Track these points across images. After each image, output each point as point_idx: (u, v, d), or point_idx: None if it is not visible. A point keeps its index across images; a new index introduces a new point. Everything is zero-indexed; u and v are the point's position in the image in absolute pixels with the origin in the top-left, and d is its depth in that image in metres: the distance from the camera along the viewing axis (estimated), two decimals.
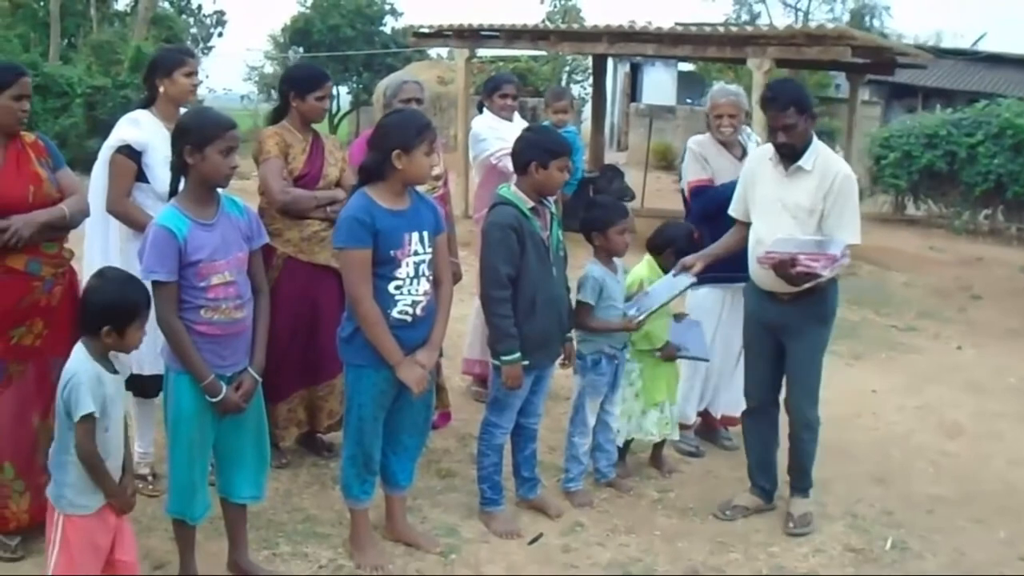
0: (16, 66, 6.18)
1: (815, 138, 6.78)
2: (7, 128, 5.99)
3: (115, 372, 4.95)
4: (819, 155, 6.72)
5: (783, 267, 6.50)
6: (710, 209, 7.65)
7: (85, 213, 6.26)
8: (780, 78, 7.72)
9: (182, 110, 6.83)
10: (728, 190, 7.40)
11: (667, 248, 7.39)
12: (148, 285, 5.28)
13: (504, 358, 6.32)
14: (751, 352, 7.30)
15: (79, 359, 4.90)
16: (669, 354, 7.44)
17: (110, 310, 4.85)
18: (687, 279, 7.10)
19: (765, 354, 7.11)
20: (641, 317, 6.96)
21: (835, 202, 6.63)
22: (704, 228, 7.54)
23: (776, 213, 6.76)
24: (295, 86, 7.24)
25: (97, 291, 4.96)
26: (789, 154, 6.71)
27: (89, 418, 4.78)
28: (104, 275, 5.16)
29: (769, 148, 6.90)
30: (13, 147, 6.01)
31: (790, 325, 6.89)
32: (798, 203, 6.67)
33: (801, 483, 7.11)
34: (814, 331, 6.93)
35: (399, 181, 5.80)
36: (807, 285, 6.56)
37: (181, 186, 5.45)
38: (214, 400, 5.34)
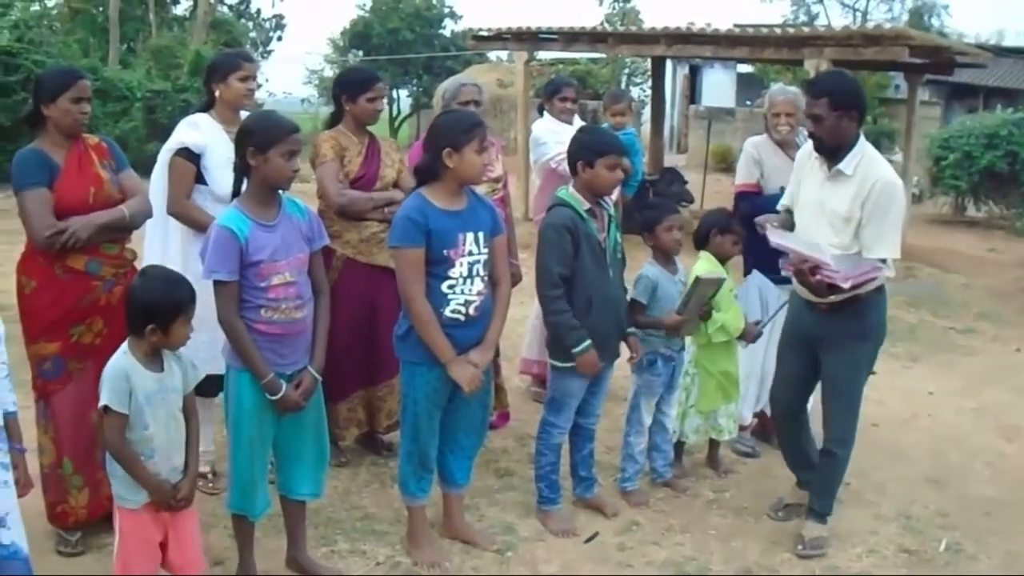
0: (74, 70, 6.27)
1: (862, 141, 6.35)
2: (67, 131, 6.08)
3: (159, 371, 5.00)
4: (863, 160, 6.30)
5: (802, 275, 6.27)
6: (753, 215, 7.63)
7: (147, 214, 6.36)
8: (836, 70, 7.54)
9: (243, 114, 6.92)
10: (773, 201, 7.43)
11: (710, 232, 7.37)
12: (210, 285, 5.39)
13: (576, 351, 6.34)
14: (782, 358, 7.04)
15: (115, 355, 4.98)
16: (752, 333, 7.47)
17: (153, 308, 4.90)
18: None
19: (797, 364, 6.83)
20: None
21: (873, 211, 6.19)
22: (749, 232, 7.57)
23: (815, 217, 6.47)
24: (346, 89, 7.30)
25: (140, 290, 5.01)
26: (820, 149, 6.41)
27: (110, 412, 4.86)
28: (147, 274, 5.23)
29: (811, 148, 6.59)
30: (75, 149, 6.12)
31: (826, 337, 6.56)
32: (835, 210, 6.31)
33: (821, 505, 6.75)
34: (852, 346, 6.51)
35: (452, 180, 5.85)
36: (835, 298, 6.33)
37: (244, 187, 5.53)
38: (274, 398, 5.41)
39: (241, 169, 5.49)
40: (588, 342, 6.33)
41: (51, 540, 6.23)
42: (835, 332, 6.49)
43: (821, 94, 6.24)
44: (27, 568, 5.01)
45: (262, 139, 5.34)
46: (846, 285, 6.11)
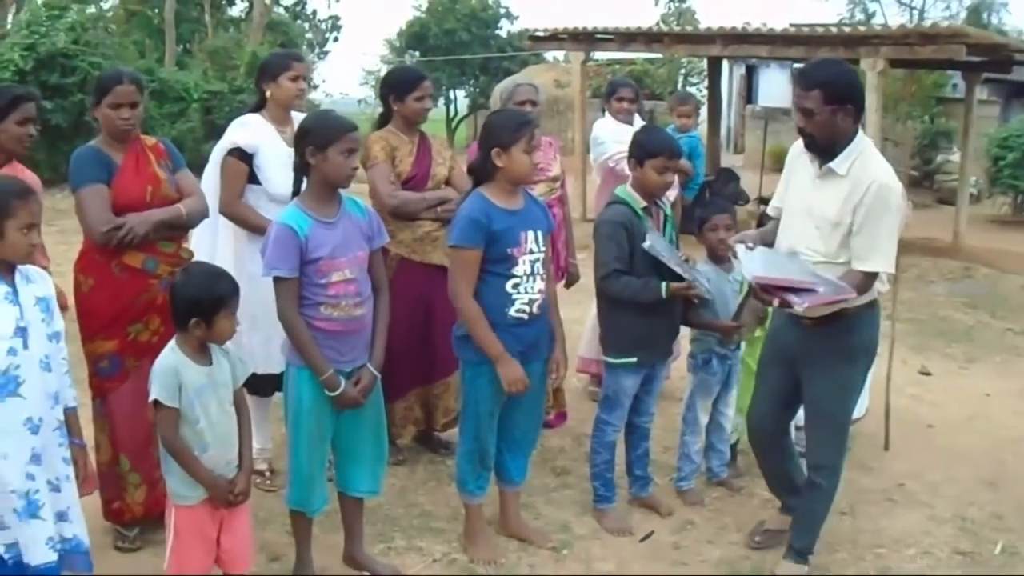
0: (115, 75, 6.31)
1: (860, 138, 5.73)
2: (112, 135, 6.17)
3: (208, 365, 5.06)
4: (858, 159, 5.68)
5: (766, 293, 5.72)
6: None
7: (203, 214, 6.42)
8: (828, 58, 6.59)
9: (295, 115, 7.02)
10: None
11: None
12: (265, 285, 5.47)
13: (664, 295, 6.35)
14: (762, 376, 6.51)
15: (164, 352, 5.06)
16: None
17: (195, 302, 4.96)
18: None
19: (779, 383, 6.30)
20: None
21: (866, 217, 5.59)
22: None
23: (801, 220, 5.89)
24: (393, 89, 7.34)
25: (183, 285, 5.07)
26: (810, 146, 5.78)
27: (161, 407, 4.93)
28: (189, 270, 5.30)
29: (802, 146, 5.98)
30: (133, 149, 6.20)
31: (809, 356, 6.01)
32: (824, 213, 5.73)
33: (801, 542, 6.25)
34: (838, 368, 5.95)
35: (504, 179, 5.89)
36: (822, 312, 5.73)
37: (304, 186, 5.61)
38: (332, 394, 5.46)
39: (300, 167, 5.57)
40: (663, 284, 6.35)
41: (109, 535, 6.32)
42: (819, 351, 5.96)
43: (813, 85, 5.61)
44: (88, 562, 5.09)
45: (320, 138, 5.40)
46: (800, 308, 5.44)
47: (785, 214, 6.13)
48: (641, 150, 6.48)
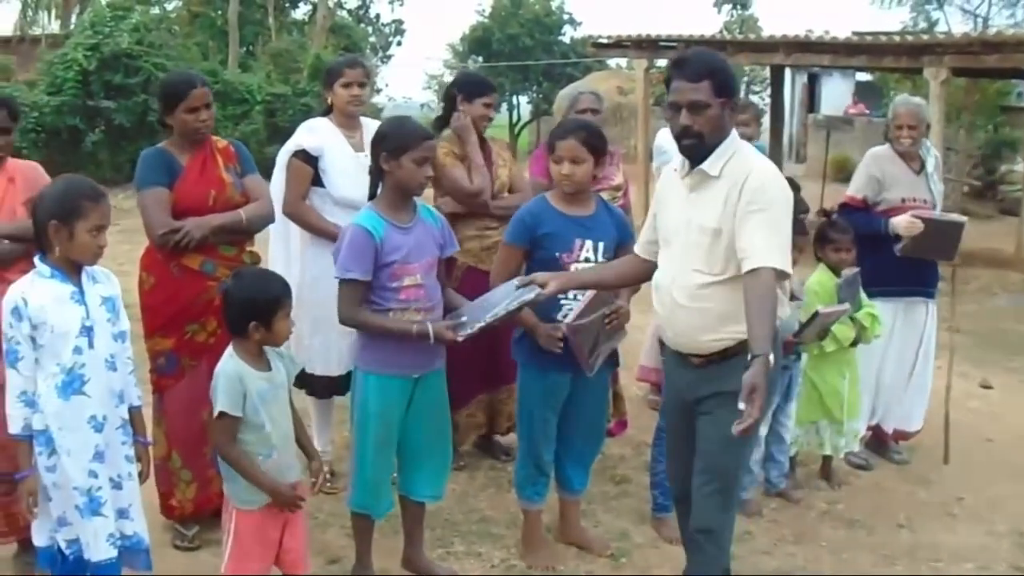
0: (190, 79, 6.39)
1: (734, 136, 5.10)
2: (189, 138, 6.27)
3: (268, 370, 5.08)
4: (734, 156, 5.01)
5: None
6: (856, 229, 7.66)
7: (267, 219, 6.49)
8: (701, 48, 5.37)
9: (367, 120, 7.12)
10: (869, 220, 7.68)
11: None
12: (328, 289, 5.57)
13: None
14: (668, 427, 5.81)
15: (223, 359, 5.07)
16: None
17: (252, 305, 4.97)
18: (531, 292, 5.45)
19: (683, 431, 5.43)
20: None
21: (747, 210, 4.84)
22: (872, 244, 7.60)
23: (682, 240, 5.12)
24: (464, 89, 7.38)
25: (236, 289, 5.08)
26: (693, 151, 5.04)
27: (225, 416, 4.94)
28: (241, 274, 5.32)
29: (677, 160, 5.30)
30: (200, 152, 6.29)
31: (699, 398, 5.20)
32: (702, 224, 4.98)
33: None
34: (727, 409, 4.75)
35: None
36: (717, 348, 5.06)
37: (379, 190, 5.67)
38: (430, 339, 5.43)
39: (376, 172, 5.62)
40: None
41: (168, 533, 6.39)
42: (708, 391, 5.15)
43: (702, 75, 4.94)
44: (147, 560, 5.18)
45: (395, 144, 5.46)
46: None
47: (663, 245, 5.29)
48: None
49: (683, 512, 5.62)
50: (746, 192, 4.88)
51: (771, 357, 4.47)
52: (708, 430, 5.18)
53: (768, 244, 4.78)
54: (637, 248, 5.64)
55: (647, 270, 5.49)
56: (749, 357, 4.47)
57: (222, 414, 4.93)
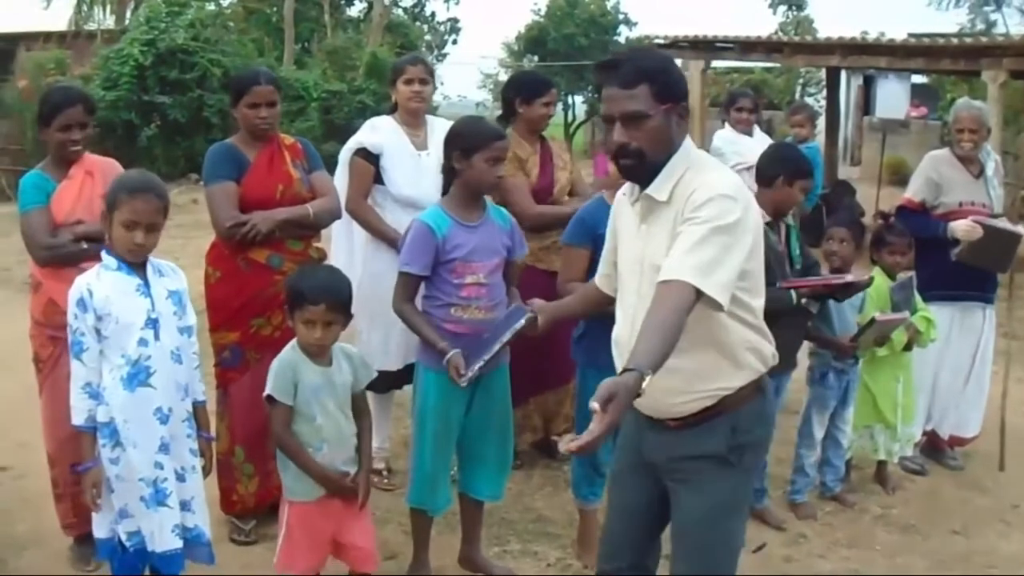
0: (253, 75, 6.47)
1: (687, 148, 4.20)
2: (250, 133, 6.33)
3: (327, 365, 5.13)
4: (686, 174, 4.11)
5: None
6: (913, 232, 7.62)
7: (333, 215, 6.54)
8: (639, 47, 4.55)
9: (432, 118, 7.18)
10: (925, 223, 7.61)
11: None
12: (386, 284, 5.63)
13: (795, 303, 6.32)
14: (614, 496, 4.78)
15: (285, 349, 5.18)
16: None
17: (287, 292, 5.16)
18: (521, 320, 5.24)
19: (635, 497, 4.56)
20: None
21: (683, 230, 3.96)
22: (928, 248, 7.57)
23: (635, 279, 4.30)
24: (522, 91, 7.35)
25: (290, 279, 5.27)
26: (634, 173, 4.20)
27: (275, 403, 5.04)
28: (306, 265, 5.57)
29: (626, 185, 4.46)
30: (268, 148, 6.34)
31: (677, 465, 4.30)
32: (654, 260, 4.08)
33: None
34: (713, 477, 4.22)
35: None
36: (692, 411, 4.22)
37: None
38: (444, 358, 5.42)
39: (448, 171, 5.65)
40: (793, 295, 6.33)
41: (225, 527, 6.43)
42: (689, 456, 4.27)
43: (636, 79, 4.08)
44: (209, 553, 5.23)
45: (468, 143, 5.49)
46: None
47: (619, 288, 4.52)
48: (795, 169, 6.51)
49: None
50: (686, 209, 4.00)
51: (647, 379, 3.53)
52: (688, 501, 4.29)
53: (692, 259, 3.84)
54: (597, 280, 4.89)
55: (612, 301, 4.64)
56: (620, 370, 3.67)
57: (270, 398, 5.06)
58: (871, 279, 6.72)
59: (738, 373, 4.25)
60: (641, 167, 4.13)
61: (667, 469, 4.35)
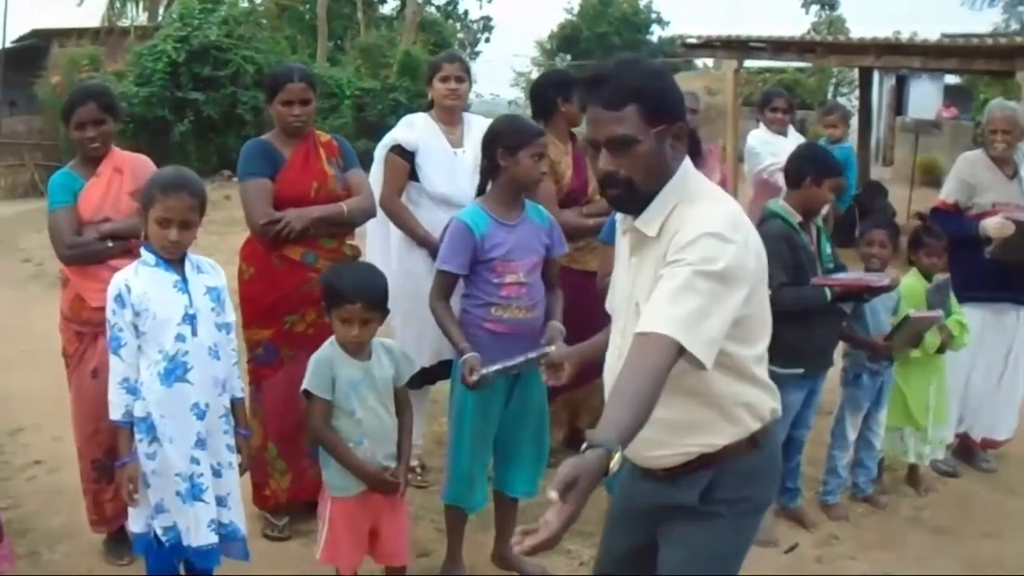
0: (286, 72, 6.49)
1: (684, 174, 3.71)
2: (284, 130, 6.37)
3: (366, 360, 5.16)
4: (677, 207, 3.63)
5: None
6: (946, 233, 7.59)
7: (368, 212, 6.55)
8: (623, 57, 3.84)
9: (468, 116, 7.21)
10: (960, 223, 7.58)
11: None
12: (422, 282, 5.70)
13: (829, 300, 6.34)
14: (604, 540, 4.42)
15: (324, 344, 5.21)
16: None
17: (322, 288, 5.20)
18: (538, 351, 5.15)
19: (623, 550, 4.21)
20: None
21: (665, 273, 3.46)
22: (960, 250, 7.54)
23: (622, 326, 3.89)
24: (563, 91, 7.30)
25: (326, 276, 5.35)
26: (624, 204, 3.75)
27: (313, 397, 5.08)
28: (347, 261, 5.59)
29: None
30: (303, 145, 6.38)
31: (662, 515, 3.94)
32: (640, 301, 3.65)
33: None
34: (691, 529, 3.85)
35: None
36: (674, 464, 3.83)
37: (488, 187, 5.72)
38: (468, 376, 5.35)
39: (488, 170, 5.67)
40: (827, 293, 6.34)
41: (258, 523, 6.46)
42: (673, 507, 3.89)
43: (623, 99, 3.58)
44: (244, 549, 5.25)
45: (512, 141, 5.52)
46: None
47: (614, 310, 4.07)
48: (822, 169, 6.51)
49: None
50: (671, 249, 3.51)
51: (617, 457, 3.06)
52: (667, 552, 3.94)
53: (674, 309, 3.34)
54: (608, 307, 4.17)
55: None
56: (583, 446, 3.08)
57: (307, 392, 5.08)
58: (896, 281, 6.71)
59: (726, 429, 3.76)
60: (631, 197, 3.67)
61: (653, 518, 3.97)
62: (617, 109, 3.56)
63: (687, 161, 3.74)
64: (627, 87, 3.58)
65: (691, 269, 3.38)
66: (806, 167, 6.50)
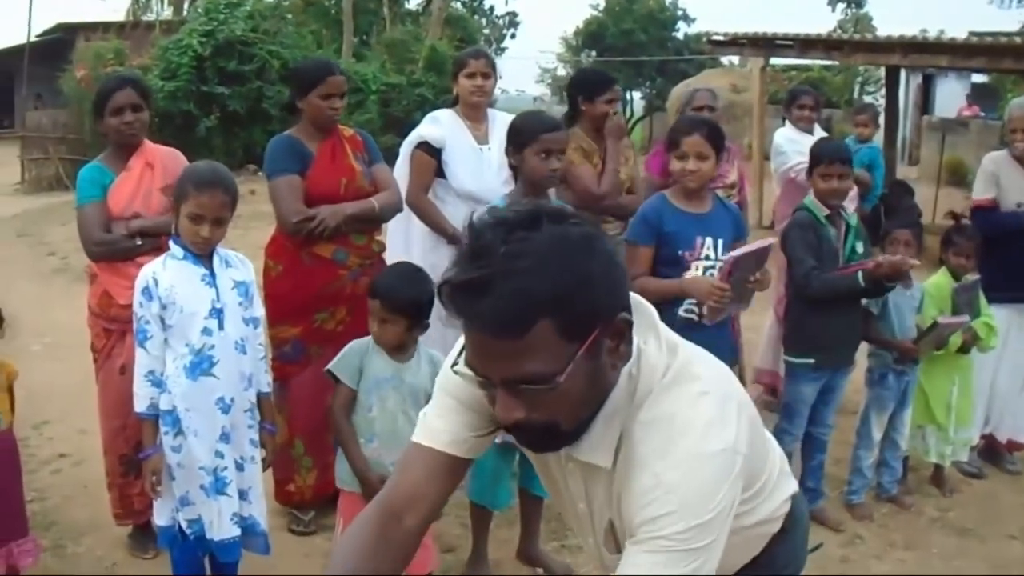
0: (327, 65, 6.53)
1: (623, 379, 2.57)
2: (319, 124, 6.35)
3: (401, 362, 5.09)
4: (630, 426, 2.58)
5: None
6: (987, 232, 7.54)
7: (396, 208, 6.53)
8: (522, 204, 2.66)
9: (494, 112, 7.19)
10: (1007, 218, 7.54)
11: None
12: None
13: (862, 284, 6.31)
14: None
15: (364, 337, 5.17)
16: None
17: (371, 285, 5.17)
18: None
19: None
20: None
21: (631, 551, 2.54)
22: (987, 249, 7.49)
23: (586, 526, 2.98)
24: (583, 89, 7.30)
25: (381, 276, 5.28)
26: (540, 445, 2.68)
27: (340, 383, 5.04)
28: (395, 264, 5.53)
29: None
30: (329, 141, 6.36)
31: None
32: (615, 517, 2.74)
33: None
34: None
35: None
36: None
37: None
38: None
39: (511, 167, 5.69)
40: (860, 275, 6.31)
41: (284, 518, 6.47)
42: None
43: (524, 318, 2.30)
44: (265, 543, 5.26)
45: (518, 138, 5.53)
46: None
47: (562, 509, 3.27)
48: (812, 159, 6.64)
49: None
50: (635, 513, 2.52)
51: None
52: None
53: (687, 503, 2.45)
54: (434, 440, 3.04)
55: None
56: None
57: (330, 373, 5.07)
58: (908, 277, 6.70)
59: (756, 546, 3.18)
60: (555, 442, 2.61)
61: None
62: (516, 336, 2.30)
63: (635, 351, 2.56)
64: (529, 296, 2.28)
65: (670, 553, 2.45)
66: (809, 162, 6.73)
